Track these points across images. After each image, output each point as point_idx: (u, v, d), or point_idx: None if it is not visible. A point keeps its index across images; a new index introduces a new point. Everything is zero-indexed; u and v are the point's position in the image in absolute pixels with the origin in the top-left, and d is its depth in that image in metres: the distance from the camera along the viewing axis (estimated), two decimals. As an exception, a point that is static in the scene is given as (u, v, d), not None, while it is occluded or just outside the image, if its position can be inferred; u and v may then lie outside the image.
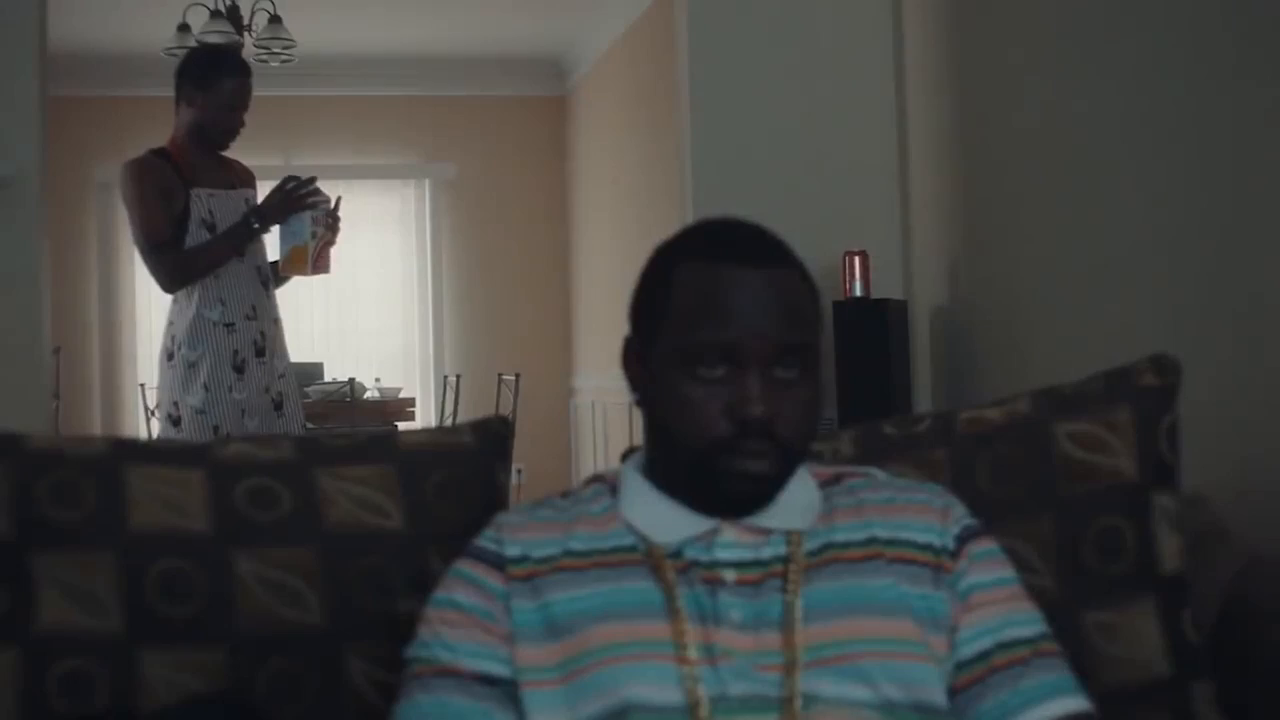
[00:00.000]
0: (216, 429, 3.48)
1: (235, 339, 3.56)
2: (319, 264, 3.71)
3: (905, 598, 1.21)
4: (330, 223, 3.68)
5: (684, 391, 1.20)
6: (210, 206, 3.57)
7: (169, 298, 3.65)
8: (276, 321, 3.71)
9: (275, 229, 3.68)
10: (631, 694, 1.14)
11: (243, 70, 3.63)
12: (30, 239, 3.83)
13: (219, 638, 1.37)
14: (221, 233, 3.57)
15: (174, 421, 3.56)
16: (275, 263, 3.77)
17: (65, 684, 1.33)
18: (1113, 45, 2.83)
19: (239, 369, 3.57)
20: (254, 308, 3.61)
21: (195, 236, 3.54)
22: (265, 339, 3.63)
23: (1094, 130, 2.92)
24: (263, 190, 3.81)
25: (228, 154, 3.75)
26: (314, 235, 3.67)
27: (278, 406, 3.65)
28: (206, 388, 3.52)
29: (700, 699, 1.14)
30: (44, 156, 3.85)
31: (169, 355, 3.59)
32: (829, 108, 4.07)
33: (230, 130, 3.62)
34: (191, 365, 3.53)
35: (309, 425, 5.63)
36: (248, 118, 3.67)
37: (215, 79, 3.57)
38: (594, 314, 7.80)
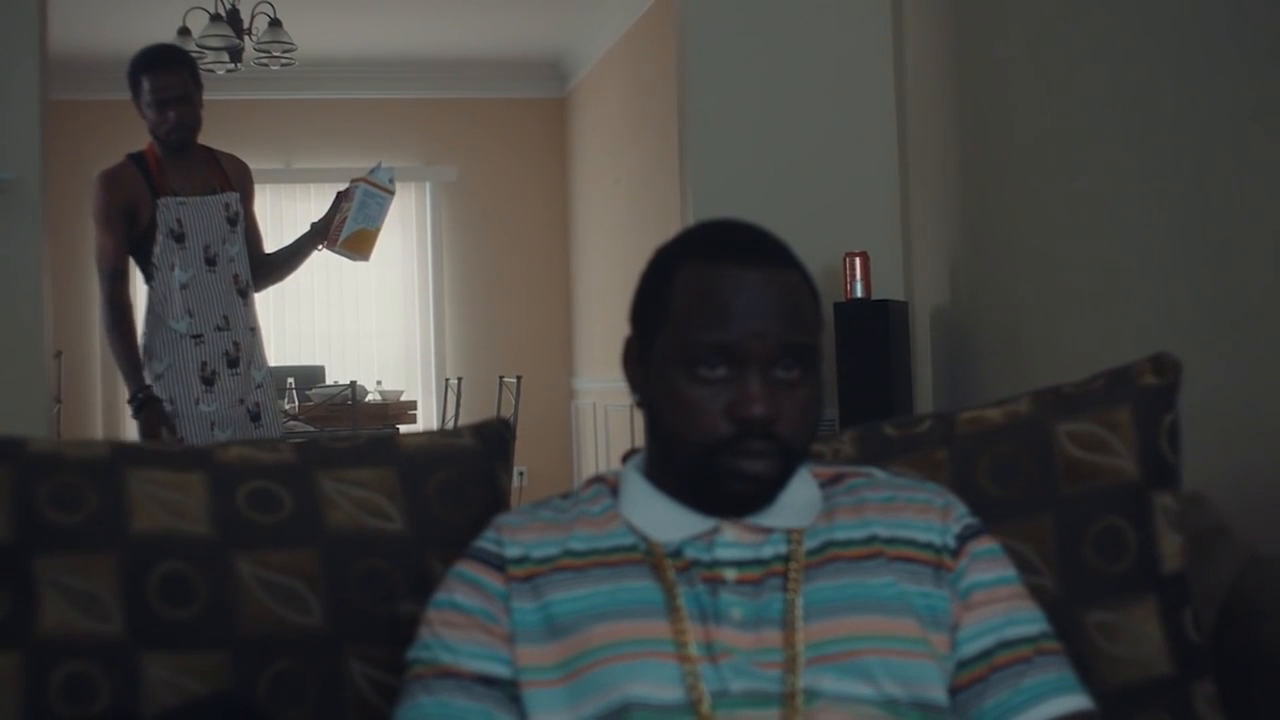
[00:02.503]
0: (182, 443, 3.44)
1: (204, 350, 3.49)
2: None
3: (906, 596, 1.21)
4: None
5: (685, 392, 1.21)
6: (179, 215, 3.47)
7: (149, 303, 3.57)
8: (254, 330, 3.62)
9: (356, 195, 3.60)
10: (632, 692, 1.14)
11: (161, 63, 3.46)
12: (31, 242, 3.84)
13: (220, 641, 1.37)
14: (130, 367, 3.46)
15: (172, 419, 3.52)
16: (313, 233, 3.66)
17: (67, 687, 1.33)
18: (1113, 46, 2.83)
19: (208, 381, 3.50)
20: (226, 318, 3.53)
21: (164, 246, 3.46)
22: (239, 349, 3.55)
23: (1094, 131, 2.92)
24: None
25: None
26: (381, 226, 3.62)
27: (254, 417, 3.57)
28: (172, 400, 3.47)
29: (702, 695, 1.14)
30: (44, 160, 3.86)
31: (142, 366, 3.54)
32: (829, 109, 4.08)
33: (173, 128, 3.45)
34: (159, 377, 3.48)
35: (309, 428, 5.65)
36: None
37: (137, 80, 3.46)
38: (594, 316, 7.80)
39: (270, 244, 3.83)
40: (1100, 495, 1.47)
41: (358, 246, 3.63)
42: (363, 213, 3.60)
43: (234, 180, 3.64)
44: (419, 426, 6.78)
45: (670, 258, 1.26)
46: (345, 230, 3.61)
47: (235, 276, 3.57)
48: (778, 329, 1.20)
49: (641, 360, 1.27)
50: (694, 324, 1.21)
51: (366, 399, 6.48)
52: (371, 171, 3.64)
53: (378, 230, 3.62)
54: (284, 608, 1.38)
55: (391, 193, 3.61)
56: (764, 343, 1.19)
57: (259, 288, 3.73)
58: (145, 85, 3.44)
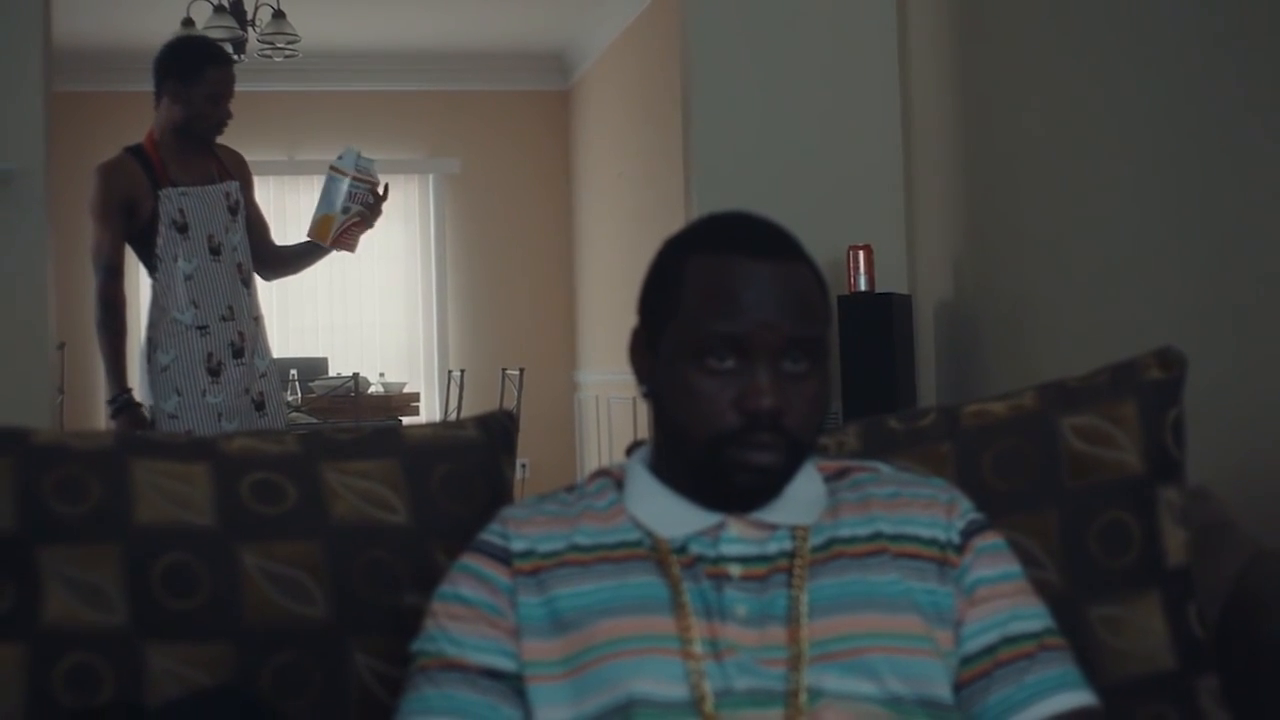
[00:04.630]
0: (190, 434, 3.40)
1: (209, 341, 3.47)
2: (342, 240, 3.60)
3: (910, 592, 1.21)
4: (370, 203, 3.58)
5: (692, 383, 1.21)
6: (181, 205, 3.46)
7: (153, 295, 3.55)
8: (257, 320, 3.60)
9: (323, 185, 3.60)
10: (637, 688, 1.14)
11: (226, 58, 3.55)
12: (34, 234, 3.84)
13: (224, 632, 1.37)
14: (114, 368, 3.47)
15: (150, 425, 3.51)
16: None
17: (71, 678, 1.33)
18: (1117, 41, 2.83)
19: (214, 372, 3.47)
20: (230, 308, 3.50)
21: (166, 238, 3.44)
22: (244, 339, 3.52)
23: (1098, 125, 2.91)
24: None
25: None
26: (345, 210, 3.57)
27: (259, 407, 3.55)
28: (179, 392, 3.44)
29: (705, 693, 1.14)
30: (48, 151, 3.86)
31: (147, 357, 3.51)
32: (833, 102, 4.07)
33: (219, 123, 3.52)
34: (165, 369, 3.46)
35: (312, 420, 5.65)
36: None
37: (199, 70, 3.46)
38: (598, 308, 7.80)
39: (272, 237, 3.82)
40: (1105, 489, 1.47)
41: (318, 233, 3.62)
42: (325, 199, 3.60)
43: (232, 170, 3.63)
44: (421, 418, 6.78)
45: (680, 249, 1.26)
46: (313, 216, 3.62)
47: (239, 265, 3.56)
48: (787, 321, 1.20)
49: (649, 351, 1.27)
50: (703, 315, 1.21)
51: (369, 391, 6.48)
52: (339, 158, 3.64)
53: (335, 215, 3.59)
54: (288, 599, 1.38)
55: (346, 175, 3.58)
56: (773, 335, 1.19)
57: (270, 278, 3.72)
58: (212, 77, 3.47)
